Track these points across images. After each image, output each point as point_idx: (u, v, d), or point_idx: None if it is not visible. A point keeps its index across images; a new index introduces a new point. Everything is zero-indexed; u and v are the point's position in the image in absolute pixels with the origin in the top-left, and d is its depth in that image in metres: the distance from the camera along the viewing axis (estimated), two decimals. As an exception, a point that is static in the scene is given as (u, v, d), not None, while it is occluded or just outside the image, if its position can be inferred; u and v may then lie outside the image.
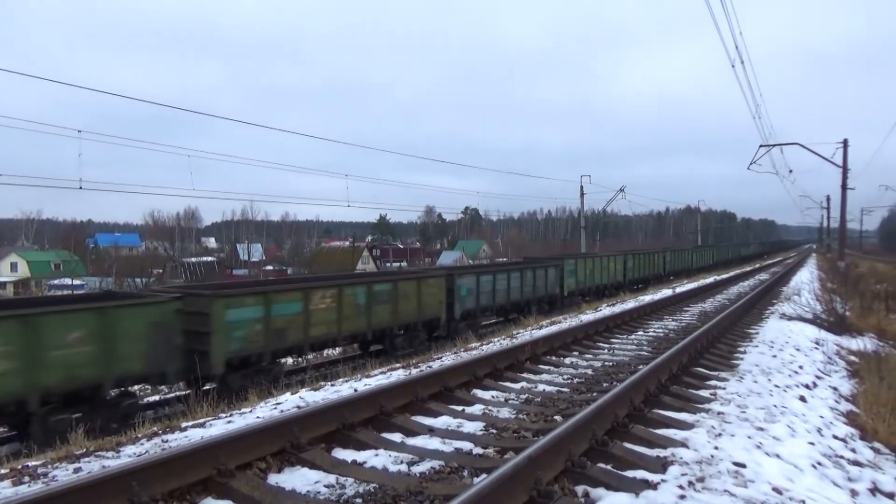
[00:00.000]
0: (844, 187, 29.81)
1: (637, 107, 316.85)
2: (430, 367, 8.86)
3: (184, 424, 6.34)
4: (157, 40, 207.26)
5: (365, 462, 4.84)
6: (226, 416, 6.60)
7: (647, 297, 20.42)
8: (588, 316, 15.46)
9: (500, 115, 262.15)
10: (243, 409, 6.94)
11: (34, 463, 5.14)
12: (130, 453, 5.31)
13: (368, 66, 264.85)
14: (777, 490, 4.34)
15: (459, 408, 6.43)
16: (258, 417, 6.30)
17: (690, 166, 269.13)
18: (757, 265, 53.72)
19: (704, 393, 7.08)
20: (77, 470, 4.88)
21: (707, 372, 8.31)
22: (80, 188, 18.45)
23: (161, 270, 67.99)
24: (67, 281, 60.50)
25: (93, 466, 4.94)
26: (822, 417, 6.51)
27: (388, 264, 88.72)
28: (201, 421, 6.45)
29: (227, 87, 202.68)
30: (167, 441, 5.68)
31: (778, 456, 5.02)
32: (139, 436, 5.95)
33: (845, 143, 29.39)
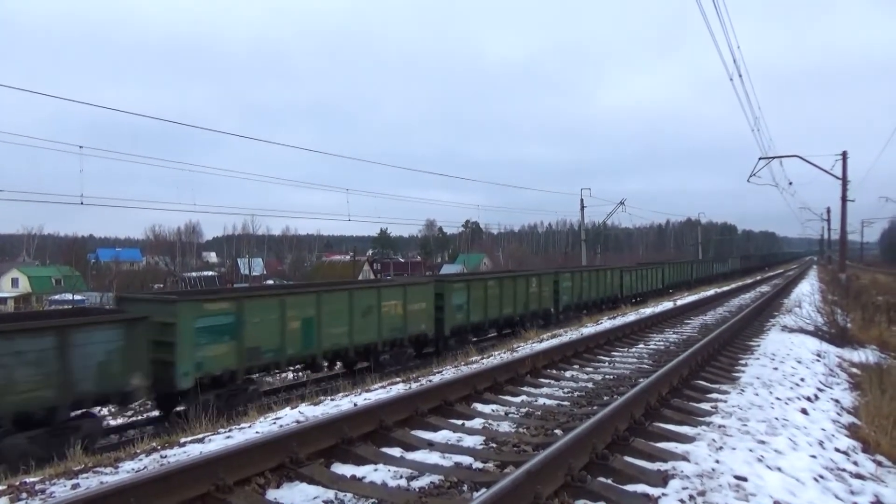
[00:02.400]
0: (844, 199, 29.83)
1: (625, 122, 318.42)
2: (430, 381, 8.84)
3: (182, 440, 6.32)
4: (147, 61, 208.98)
5: (364, 477, 4.82)
6: (224, 432, 6.58)
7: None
8: (589, 329, 15.43)
9: (487, 131, 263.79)
10: (242, 424, 6.92)
11: (32, 479, 5.12)
12: (129, 469, 5.29)
13: (356, 85, 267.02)
14: (778, 504, 4.31)
15: (459, 422, 6.41)
16: (257, 432, 6.27)
17: (686, 179, 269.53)
18: (757, 277, 50.35)
19: (705, 406, 7.05)
20: (75, 486, 4.87)
21: (708, 385, 8.28)
22: (82, 203, 18.54)
23: (161, 285, 67.98)
24: (68, 296, 60.45)
25: (91, 483, 4.92)
26: (823, 430, 6.48)
27: (389, 278, 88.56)
28: (200, 436, 6.43)
29: (219, 107, 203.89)
30: (165, 457, 5.66)
31: (779, 469, 5.00)
32: (138, 451, 5.93)
33: (844, 154, 29.46)
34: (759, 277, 50.83)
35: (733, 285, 37.49)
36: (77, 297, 59.45)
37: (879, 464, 5.76)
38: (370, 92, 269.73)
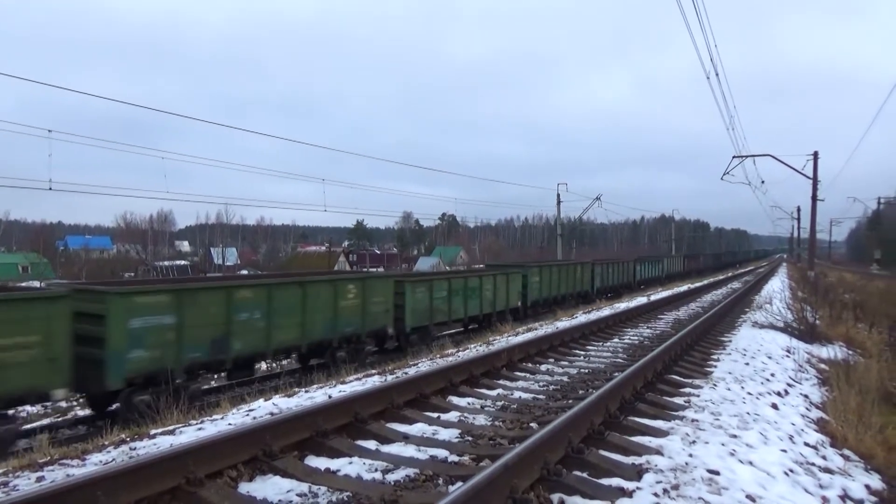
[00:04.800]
0: (814, 198, 30.41)
1: (589, 121, 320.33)
2: (405, 373, 8.80)
3: (152, 431, 6.20)
4: (113, 54, 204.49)
5: (338, 470, 4.77)
6: (196, 423, 6.46)
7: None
8: (564, 323, 15.52)
9: (454, 128, 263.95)
10: (214, 416, 6.81)
11: (-5, 471, 4.97)
12: (96, 461, 5.17)
13: (323, 81, 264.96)
14: (750, 497, 4.36)
15: (435, 415, 6.39)
16: (230, 424, 6.18)
17: (656, 178, 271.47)
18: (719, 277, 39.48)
19: (679, 400, 7.12)
20: (40, 479, 4.73)
21: (681, 379, 8.36)
22: (50, 189, 18.11)
23: (132, 274, 66.81)
24: (36, 284, 59.11)
25: (56, 475, 4.79)
26: (793, 425, 6.59)
27: (365, 270, 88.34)
28: (171, 428, 6.31)
29: (188, 101, 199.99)
30: (135, 449, 5.54)
31: (751, 463, 5.06)
32: (106, 443, 5.80)
33: (815, 155, 30.01)
34: (697, 284, 33.43)
35: (706, 281, 37.78)
36: (44, 284, 58.15)
37: (847, 458, 5.87)
38: (337, 87, 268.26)
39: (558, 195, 44.54)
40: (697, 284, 34.01)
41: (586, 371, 8.96)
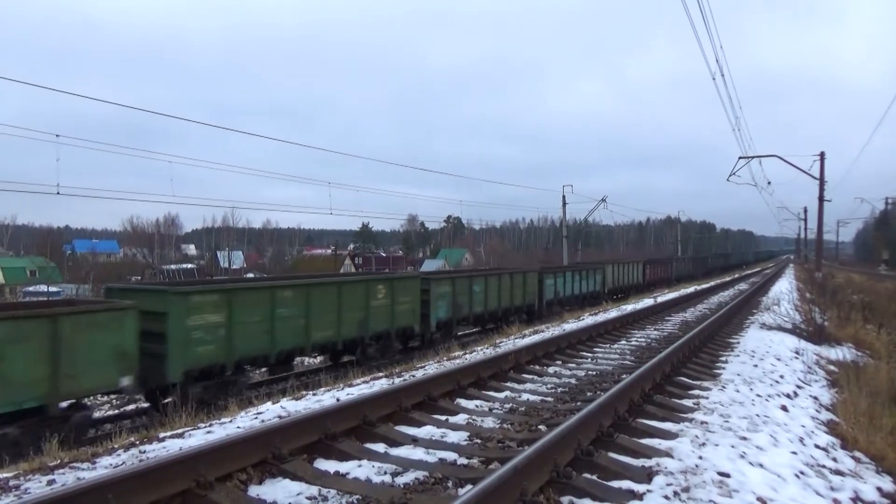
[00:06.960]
0: (821, 199, 30.27)
1: (581, 125, 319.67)
2: (413, 376, 8.80)
3: (161, 435, 6.22)
4: (116, 62, 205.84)
5: (348, 473, 4.77)
6: (205, 427, 6.48)
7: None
8: (571, 325, 15.49)
9: (447, 132, 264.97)
10: (223, 419, 6.83)
11: (6, 475, 5.00)
12: (106, 465, 5.19)
13: (313, 88, 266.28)
14: (761, 500, 4.34)
15: (443, 417, 6.38)
16: (238, 427, 6.19)
17: (656, 179, 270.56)
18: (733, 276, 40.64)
19: (688, 402, 7.09)
20: (51, 482, 4.76)
21: (690, 381, 8.33)
22: (58, 193, 18.21)
23: (139, 278, 67.07)
24: (43, 287, 59.35)
25: (67, 478, 4.81)
26: (803, 427, 6.55)
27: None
28: (180, 431, 6.33)
29: (185, 109, 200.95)
30: (144, 452, 5.56)
31: (761, 465, 5.03)
32: (116, 447, 5.82)
33: (822, 155, 29.88)
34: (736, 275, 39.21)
35: (711, 283, 37.38)
36: (52, 288, 58.42)
37: (858, 460, 5.83)
38: (330, 94, 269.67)
39: (563, 197, 44.44)
40: (703, 286, 33.79)
41: (594, 373, 8.94)
